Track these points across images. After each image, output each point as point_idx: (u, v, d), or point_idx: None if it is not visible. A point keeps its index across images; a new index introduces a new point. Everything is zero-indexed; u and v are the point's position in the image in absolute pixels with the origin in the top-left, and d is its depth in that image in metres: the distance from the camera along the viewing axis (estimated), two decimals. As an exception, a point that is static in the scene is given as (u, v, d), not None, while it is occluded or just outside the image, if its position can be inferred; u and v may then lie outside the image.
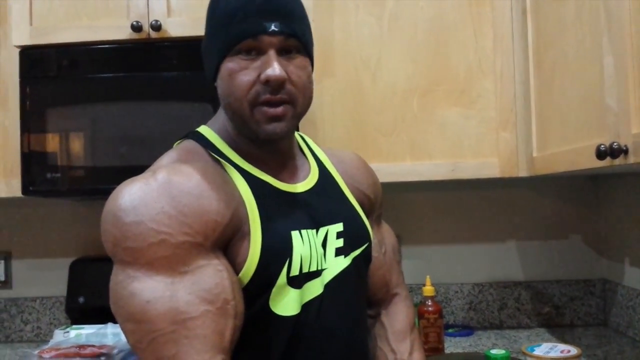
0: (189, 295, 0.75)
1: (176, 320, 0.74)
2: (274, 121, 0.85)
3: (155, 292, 0.74)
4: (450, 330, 1.78)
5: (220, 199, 0.81)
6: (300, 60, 0.87)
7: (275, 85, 0.83)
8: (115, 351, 1.44)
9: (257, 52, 0.85)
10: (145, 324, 0.74)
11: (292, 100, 0.86)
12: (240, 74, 0.85)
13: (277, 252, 0.84)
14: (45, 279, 1.97)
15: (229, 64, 0.85)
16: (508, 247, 1.91)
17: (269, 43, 0.84)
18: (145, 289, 0.74)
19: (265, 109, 0.85)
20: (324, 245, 0.92)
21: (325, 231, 0.93)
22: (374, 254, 1.04)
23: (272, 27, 0.83)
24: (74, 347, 1.45)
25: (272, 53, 0.84)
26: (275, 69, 0.83)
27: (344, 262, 0.94)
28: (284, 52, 0.86)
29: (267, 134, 0.86)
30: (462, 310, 1.89)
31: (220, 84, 0.88)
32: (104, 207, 0.79)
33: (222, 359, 0.75)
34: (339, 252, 0.94)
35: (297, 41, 0.86)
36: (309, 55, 0.90)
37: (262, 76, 0.83)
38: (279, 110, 0.85)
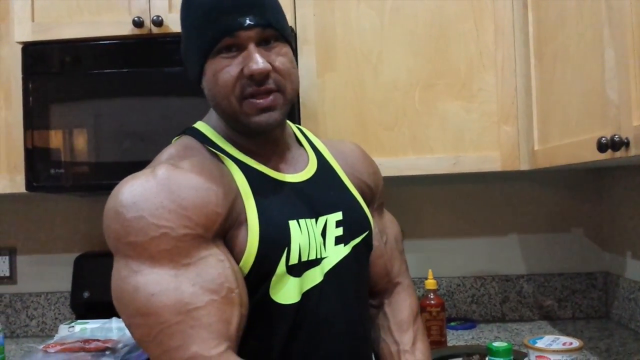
0: (193, 286, 0.76)
1: (182, 311, 0.74)
2: (265, 112, 0.86)
3: (160, 285, 0.75)
4: (452, 324, 1.79)
5: (219, 191, 0.82)
6: (280, 47, 0.88)
7: (260, 78, 0.84)
8: (120, 345, 1.45)
9: (238, 48, 0.85)
10: (151, 317, 0.75)
11: (280, 88, 0.87)
12: (223, 72, 0.85)
13: (275, 241, 0.85)
14: (49, 274, 1.98)
15: (212, 65, 0.86)
16: (510, 240, 1.91)
17: (247, 38, 0.84)
18: (150, 282, 0.75)
19: (254, 101, 0.85)
20: (323, 234, 0.93)
21: (325, 220, 0.93)
22: (375, 242, 1.05)
23: (248, 21, 0.84)
24: (79, 341, 1.46)
25: (252, 47, 0.85)
26: (258, 63, 0.83)
27: (343, 250, 0.95)
28: (263, 43, 0.86)
29: (260, 125, 0.87)
30: (464, 304, 1.90)
31: (206, 85, 0.89)
32: (106, 204, 0.80)
33: (228, 347, 0.76)
34: (338, 240, 0.94)
35: (274, 30, 0.87)
36: (288, 42, 0.91)
37: (246, 71, 0.84)
38: (269, 100, 0.86)
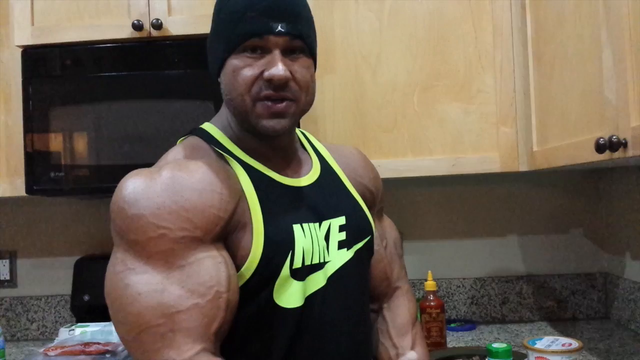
0: (181, 289, 0.76)
1: (165, 313, 0.75)
2: (276, 117, 0.87)
3: (149, 285, 0.76)
4: (452, 325, 1.79)
5: (223, 194, 0.82)
6: (304, 60, 0.89)
7: (278, 84, 0.85)
8: (120, 348, 1.45)
9: (263, 51, 0.87)
10: (134, 317, 0.75)
11: (295, 97, 0.88)
12: (244, 70, 0.86)
13: (279, 245, 0.85)
14: (50, 277, 1.98)
15: (234, 61, 0.87)
16: (509, 241, 1.91)
17: (274, 43, 0.86)
18: (140, 282, 0.76)
19: (268, 103, 0.86)
20: (327, 238, 0.93)
21: (328, 224, 0.94)
22: (375, 247, 1.05)
23: (279, 28, 0.85)
24: (79, 344, 1.46)
25: (277, 53, 0.86)
26: (279, 69, 0.85)
27: (346, 254, 0.95)
28: (288, 52, 0.88)
29: (267, 129, 0.88)
30: (464, 305, 1.90)
31: (224, 79, 0.90)
32: (113, 195, 0.82)
33: (203, 348, 0.76)
34: (341, 245, 0.95)
35: (302, 42, 0.88)
36: (313, 56, 0.92)
37: (266, 74, 0.85)
38: (282, 106, 0.87)
